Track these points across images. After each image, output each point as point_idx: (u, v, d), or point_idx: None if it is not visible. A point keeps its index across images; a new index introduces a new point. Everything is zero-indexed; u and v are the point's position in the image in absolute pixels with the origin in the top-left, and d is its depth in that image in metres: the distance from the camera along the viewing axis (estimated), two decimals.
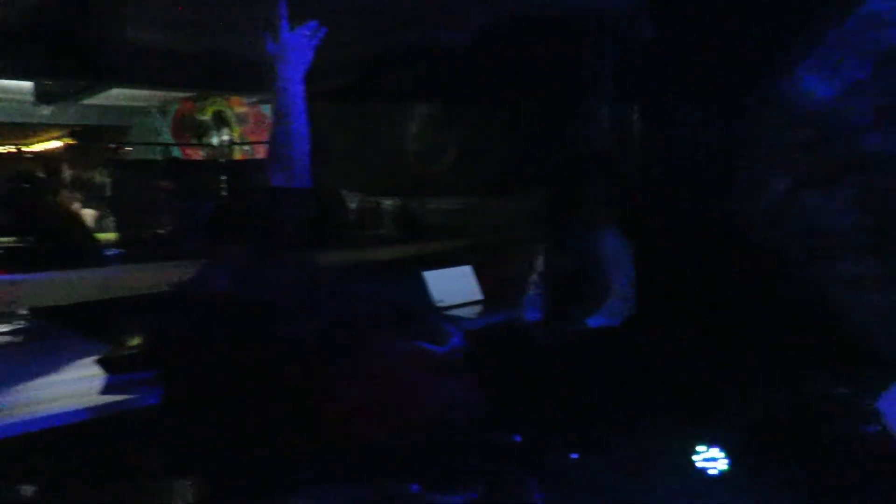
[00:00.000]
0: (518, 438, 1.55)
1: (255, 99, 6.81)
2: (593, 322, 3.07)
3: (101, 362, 2.20)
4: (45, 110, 3.99)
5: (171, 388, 1.49)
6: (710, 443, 3.03)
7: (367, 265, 3.29)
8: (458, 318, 2.97)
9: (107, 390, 2.07)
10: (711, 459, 3.00)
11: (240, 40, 4.32)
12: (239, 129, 7.25)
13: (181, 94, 7.46)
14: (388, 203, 5.62)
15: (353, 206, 5.69)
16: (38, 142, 9.72)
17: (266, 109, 6.83)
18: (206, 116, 7.55)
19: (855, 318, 2.94)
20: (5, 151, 9.78)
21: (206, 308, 1.44)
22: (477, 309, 3.54)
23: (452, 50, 4.04)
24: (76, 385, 2.13)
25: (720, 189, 3.36)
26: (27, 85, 4.12)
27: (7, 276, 2.02)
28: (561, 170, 3.35)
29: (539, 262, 3.46)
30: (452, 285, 3.65)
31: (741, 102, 3.21)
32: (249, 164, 6.28)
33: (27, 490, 2.31)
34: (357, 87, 5.10)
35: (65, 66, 3.46)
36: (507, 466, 1.50)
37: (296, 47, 1.71)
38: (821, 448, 2.81)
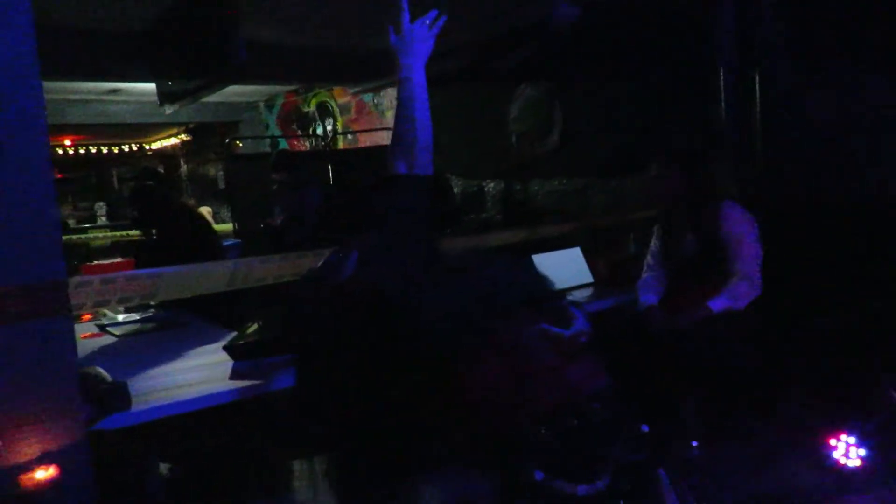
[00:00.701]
0: (646, 428, 1.51)
1: (357, 89, 6.97)
2: (716, 305, 2.93)
3: (231, 349, 2.33)
4: (167, 109, 4.25)
5: (309, 374, 1.56)
6: (847, 433, 2.86)
7: (481, 250, 3.30)
8: (580, 301, 2.93)
9: (237, 375, 2.18)
10: (847, 450, 2.83)
11: (347, 35, 4.46)
12: (343, 119, 7.45)
13: (286, 88, 7.77)
14: (496, 186, 5.62)
15: (459, 190, 5.73)
16: (159, 139, 10.42)
17: (367, 99, 6.99)
18: (311, 108, 7.82)
19: None
20: (131, 150, 10.56)
21: (335, 297, 1.49)
22: (587, 292, 3.48)
23: (562, 31, 3.96)
24: (207, 371, 2.27)
25: (847, 167, 3.14)
26: (150, 86, 4.40)
27: (143, 270, 2.17)
28: (682, 149, 3.22)
29: (654, 244, 3.35)
30: (562, 268, 3.60)
31: (881, 71, 2.96)
32: (361, 154, 6.44)
33: (165, 470, 2.49)
34: (472, 71, 5.10)
35: (186, 66, 3.68)
36: (636, 456, 1.46)
37: (417, 38, 1.74)
38: None
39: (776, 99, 3.41)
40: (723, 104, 3.55)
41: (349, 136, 7.42)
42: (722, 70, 3.52)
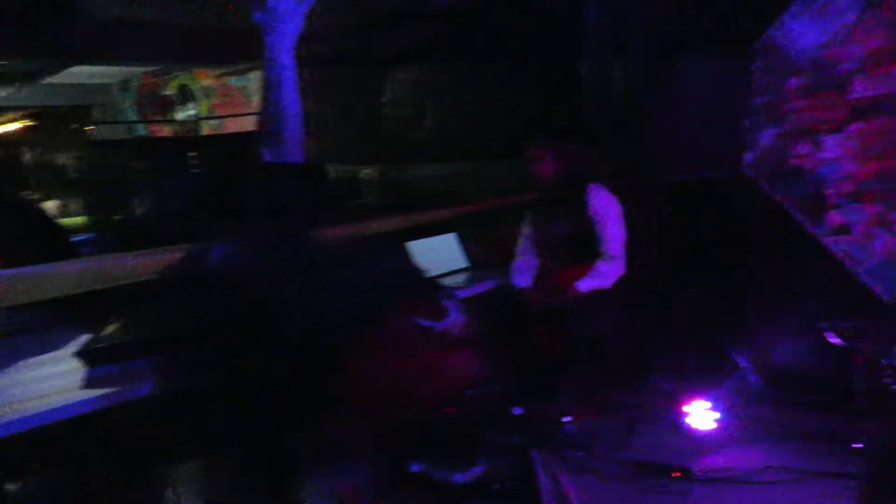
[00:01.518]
0: (518, 411, 1.57)
1: (221, 71, 6.67)
2: (584, 285, 3.09)
3: (86, 354, 2.18)
4: (1, 92, 3.88)
5: (180, 374, 1.49)
6: (702, 399, 3.11)
7: (357, 238, 3.28)
8: (451, 289, 2.99)
9: (101, 382, 2.05)
10: (703, 417, 3.09)
11: (206, 10, 4.24)
12: (207, 102, 7.12)
13: (142, 69, 7.30)
14: (372, 172, 5.58)
15: (334, 176, 5.64)
16: None
17: (233, 81, 6.71)
18: (171, 91, 7.41)
19: (849, 265, 3.00)
20: None
21: (201, 290, 1.44)
22: (463, 277, 3.56)
23: (439, 14, 3.97)
24: (68, 379, 2.12)
25: (714, 143, 3.38)
26: None
27: None
28: (553, 133, 3.33)
29: (526, 228, 3.47)
30: (438, 254, 3.65)
31: (735, 53, 3.21)
32: (226, 139, 6.18)
33: (27, 485, 2.30)
34: (345, 53, 5.00)
35: (22, 44, 3.36)
36: (509, 440, 1.52)
37: (284, 15, 1.64)
38: (829, 403, 2.89)
39: (641, 84, 3.61)
40: (591, 89, 3.71)
41: (214, 122, 7.10)
42: (590, 55, 3.66)
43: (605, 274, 3.12)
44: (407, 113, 5.14)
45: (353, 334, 1.43)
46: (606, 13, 3.59)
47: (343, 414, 1.46)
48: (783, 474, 2.73)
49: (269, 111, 1.64)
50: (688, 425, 3.12)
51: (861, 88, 2.85)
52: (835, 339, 2.68)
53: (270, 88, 1.64)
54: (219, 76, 6.86)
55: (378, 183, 5.52)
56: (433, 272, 3.41)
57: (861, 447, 2.64)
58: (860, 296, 2.94)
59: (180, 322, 1.49)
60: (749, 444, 2.97)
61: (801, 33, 2.99)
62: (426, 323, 1.55)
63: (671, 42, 3.47)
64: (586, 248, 3.21)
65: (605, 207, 3.18)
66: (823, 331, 2.71)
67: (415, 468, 1.37)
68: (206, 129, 7.17)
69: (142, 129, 7.81)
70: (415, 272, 1.68)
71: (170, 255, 1.92)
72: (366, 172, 5.60)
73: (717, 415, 3.08)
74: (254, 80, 6.50)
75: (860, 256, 2.95)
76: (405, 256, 1.74)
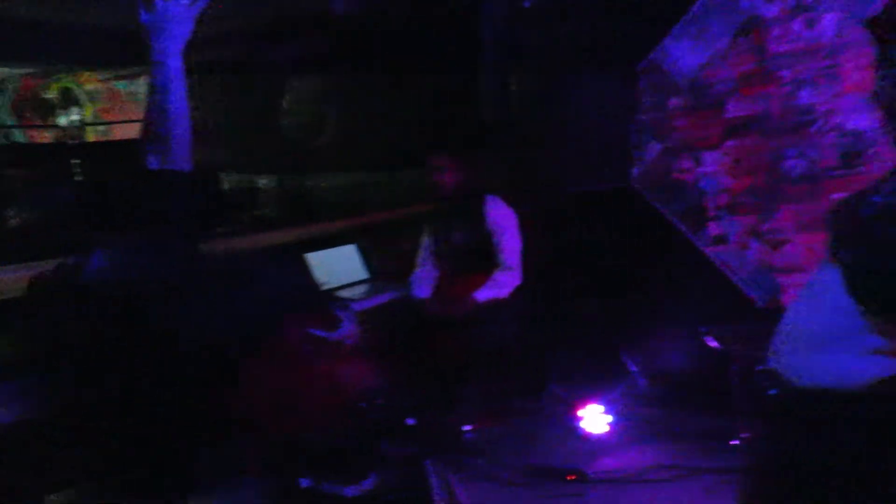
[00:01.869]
0: (412, 421, 1.59)
1: (108, 75, 6.37)
2: (481, 295, 3.16)
3: None
4: None
5: (56, 393, 1.42)
6: (595, 403, 3.24)
7: (252, 250, 3.21)
8: (348, 301, 2.98)
9: None
10: (596, 420, 3.22)
11: (90, 10, 4.04)
12: (92, 107, 6.77)
13: (20, 70, 6.87)
14: (270, 182, 5.48)
15: (230, 186, 5.49)
16: None
17: (121, 86, 6.42)
18: (52, 94, 7.00)
19: (726, 273, 3.22)
20: None
21: (78, 304, 1.37)
22: (363, 288, 3.56)
23: (338, 21, 3.96)
24: None
25: (603, 157, 3.54)
26: None
27: None
28: (453, 144, 3.40)
29: (426, 240, 3.50)
30: (337, 266, 3.63)
31: (624, 73, 3.39)
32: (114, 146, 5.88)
33: None
34: (243, 59, 4.89)
35: None
36: (403, 451, 1.54)
37: (173, 18, 1.59)
38: (709, 404, 3.07)
39: (536, 99, 3.74)
40: (489, 102, 3.81)
41: (100, 128, 6.76)
42: (487, 69, 3.76)
43: (502, 284, 3.20)
44: (307, 121, 5.09)
45: (243, 347, 1.41)
46: (502, 29, 3.71)
47: (233, 430, 1.44)
48: (670, 472, 2.88)
49: (155, 117, 1.58)
50: (583, 429, 3.24)
51: (734, 108, 3.08)
52: (713, 343, 2.87)
53: (157, 93, 1.59)
54: (105, 80, 6.54)
55: (277, 193, 5.42)
56: (332, 284, 3.41)
57: (738, 444, 2.83)
58: (737, 302, 3.16)
59: (53, 339, 1.41)
60: (639, 445, 3.12)
61: (681, 56, 3.19)
62: (318, 333, 1.54)
63: (564, 60, 3.63)
64: (484, 258, 3.29)
65: (503, 219, 3.27)
66: (703, 335, 2.89)
67: (305, 483, 1.36)
68: (91, 135, 6.81)
69: (20, 135, 7.32)
70: (308, 284, 1.68)
71: (45, 268, 1.82)
72: (264, 182, 5.50)
73: (610, 418, 3.21)
74: (144, 85, 6.24)
75: (736, 265, 3.17)
76: (298, 268, 1.73)
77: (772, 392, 1.51)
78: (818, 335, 1.40)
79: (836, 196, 2.77)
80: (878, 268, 1.28)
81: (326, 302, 1.70)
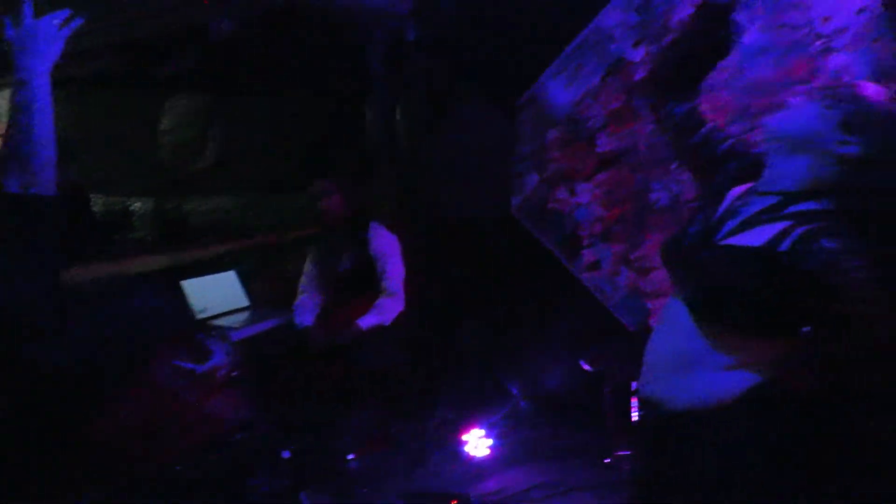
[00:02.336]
0: (287, 454, 1.59)
1: None
2: (365, 322, 3.18)
3: None
4: None
5: None
6: (477, 427, 3.34)
7: (121, 276, 3.08)
8: (223, 330, 2.92)
9: None
10: (479, 444, 3.31)
11: None
12: None
13: None
14: (145, 204, 5.25)
15: (102, 208, 5.22)
16: None
17: None
18: None
19: (600, 299, 3.41)
20: None
21: None
22: (243, 316, 3.49)
23: (222, 41, 3.90)
24: None
25: (485, 187, 3.68)
26: None
27: None
28: (340, 169, 3.42)
29: (309, 266, 3.49)
30: (216, 293, 3.54)
31: (507, 105, 3.55)
32: None
33: None
34: (116, 75, 4.68)
35: None
36: (277, 483, 1.53)
37: (42, 37, 1.54)
38: (584, 423, 3.23)
39: (419, 127, 3.84)
40: (375, 128, 3.87)
41: None
42: (374, 96, 3.83)
43: (386, 310, 3.24)
44: (186, 142, 4.93)
45: (107, 376, 1.37)
46: (389, 58, 3.79)
47: (98, 464, 1.39)
48: (550, 490, 3.01)
49: (17, 137, 1.50)
50: (466, 453, 3.32)
51: (605, 143, 3.29)
52: (587, 366, 3.03)
53: (20, 112, 1.51)
54: None
55: (153, 216, 5.21)
56: (210, 311, 3.32)
57: (611, 461, 3.01)
58: (609, 325, 3.35)
59: None
60: (519, 466, 3.24)
61: (558, 92, 3.39)
62: (187, 365, 1.52)
63: (449, 91, 3.76)
64: (368, 285, 3.31)
65: (386, 245, 3.32)
66: (578, 358, 3.05)
67: None
68: None
69: None
70: (179, 312, 1.65)
71: None
72: (138, 205, 5.27)
73: (491, 441, 3.31)
74: (4, 102, 5.85)
75: (609, 290, 3.37)
76: (170, 295, 1.70)
77: (643, 416, 1.62)
78: (677, 359, 1.50)
79: None
80: (709, 295, 1.42)
81: (197, 331, 1.67)
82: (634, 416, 2.80)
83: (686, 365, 1.47)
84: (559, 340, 3.35)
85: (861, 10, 2.52)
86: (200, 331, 1.69)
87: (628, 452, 2.91)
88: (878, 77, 2.43)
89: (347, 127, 4.23)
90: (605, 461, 3.05)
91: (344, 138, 4.25)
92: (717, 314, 1.41)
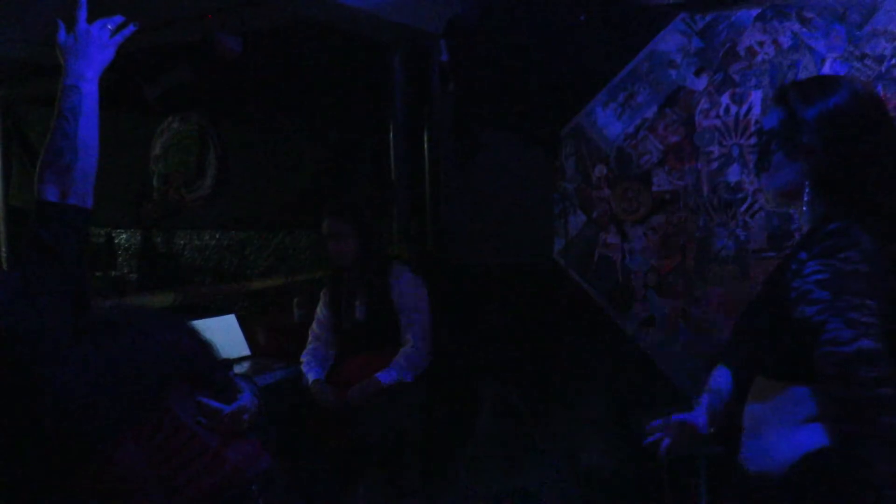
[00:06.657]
0: None
1: None
2: (385, 378, 3.12)
3: None
4: None
5: None
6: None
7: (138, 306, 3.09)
8: (249, 375, 2.90)
9: None
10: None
11: None
12: None
13: None
14: (133, 237, 5.27)
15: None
16: None
17: None
18: None
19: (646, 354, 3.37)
20: None
21: None
22: (244, 367, 3.44)
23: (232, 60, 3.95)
24: None
25: (523, 228, 3.68)
26: None
27: None
28: (354, 206, 3.43)
29: (321, 311, 3.45)
30: (214, 338, 3.49)
31: (543, 137, 3.57)
32: None
33: None
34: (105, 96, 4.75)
35: None
36: None
37: (94, 42, 1.67)
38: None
39: (448, 159, 3.85)
40: (394, 163, 3.88)
41: None
42: (393, 128, 3.85)
43: (409, 365, 3.17)
44: (179, 169, 4.97)
45: (122, 407, 1.41)
46: (413, 81, 3.83)
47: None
48: None
49: (61, 144, 1.59)
50: None
51: (662, 181, 3.29)
52: (642, 434, 2.95)
53: (66, 118, 1.62)
54: None
55: (139, 250, 5.22)
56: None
57: None
58: (663, 389, 3.29)
59: None
60: None
61: (607, 122, 3.41)
62: (213, 404, 1.52)
63: (480, 122, 3.78)
64: (388, 335, 3.27)
65: (411, 291, 3.27)
66: (627, 424, 2.98)
67: None
68: None
69: None
70: (203, 347, 1.64)
71: None
72: (124, 238, 5.29)
73: None
74: None
75: (663, 349, 3.32)
76: (190, 328, 1.70)
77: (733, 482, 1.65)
78: (755, 419, 1.59)
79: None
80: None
81: (225, 371, 1.67)
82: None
83: (764, 421, 1.58)
84: (605, 403, 3.29)
85: None
86: (223, 368, 1.68)
87: None
88: None
89: (364, 158, 4.25)
90: None
91: (360, 171, 4.26)
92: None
